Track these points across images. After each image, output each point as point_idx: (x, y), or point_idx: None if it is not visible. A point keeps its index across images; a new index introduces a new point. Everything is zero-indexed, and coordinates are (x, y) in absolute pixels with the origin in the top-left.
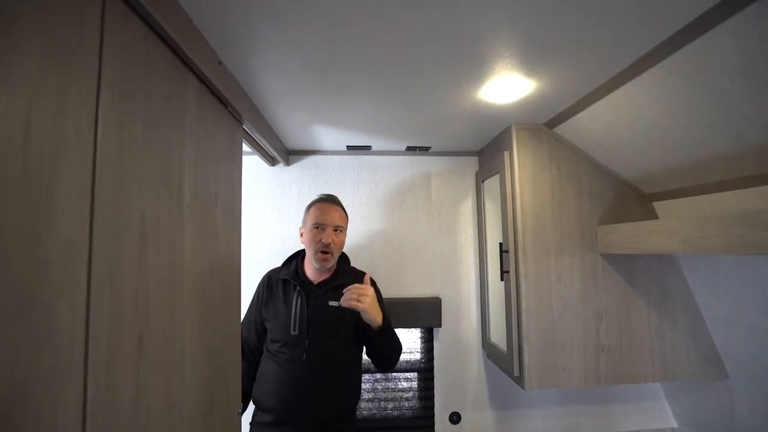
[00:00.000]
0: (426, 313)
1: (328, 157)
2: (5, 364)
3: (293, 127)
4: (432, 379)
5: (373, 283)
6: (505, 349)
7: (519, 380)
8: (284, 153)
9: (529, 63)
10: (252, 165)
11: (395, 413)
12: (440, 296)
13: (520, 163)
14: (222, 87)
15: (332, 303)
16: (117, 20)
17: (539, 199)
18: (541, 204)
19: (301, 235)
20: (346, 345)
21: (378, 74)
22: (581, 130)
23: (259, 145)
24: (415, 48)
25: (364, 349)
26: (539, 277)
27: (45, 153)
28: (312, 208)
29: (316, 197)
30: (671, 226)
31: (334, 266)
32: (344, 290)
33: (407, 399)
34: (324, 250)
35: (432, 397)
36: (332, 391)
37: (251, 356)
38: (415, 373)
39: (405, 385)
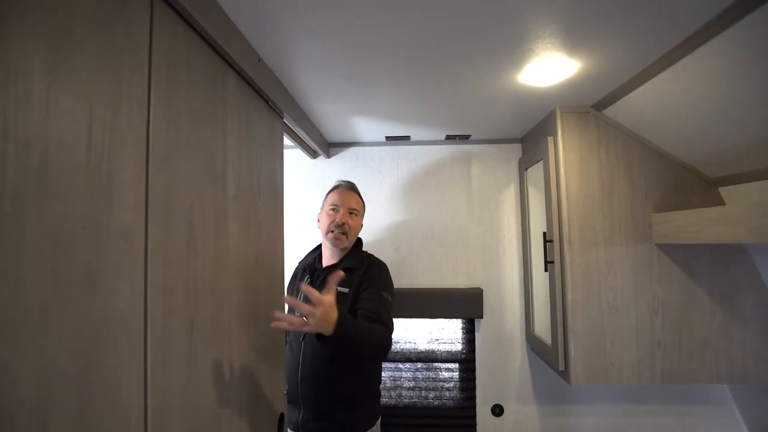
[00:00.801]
0: (467, 304)
1: (368, 148)
2: (78, 335)
3: (332, 119)
4: (473, 370)
5: (378, 266)
6: (550, 342)
7: (564, 374)
8: (325, 145)
9: (572, 42)
10: (294, 158)
11: (436, 402)
12: (481, 287)
13: (566, 149)
14: (261, 83)
15: None
16: (163, 24)
17: (586, 186)
18: (588, 191)
19: (318, 221)
20: None
21: (414, 62)
22: (634, 111)
23: (300, 138)
24: (451, 33)
25: None
26: (586, 268)
27: (105, 147)
28: (330, 193)
29: (334, 183)
30: (736, 213)
31: (347, 251)
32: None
33: (448, 389)
34: (337, 230)
35: (473, 389)
36: (327, 376)
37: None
38: (457, 364)
39: (446, 375)
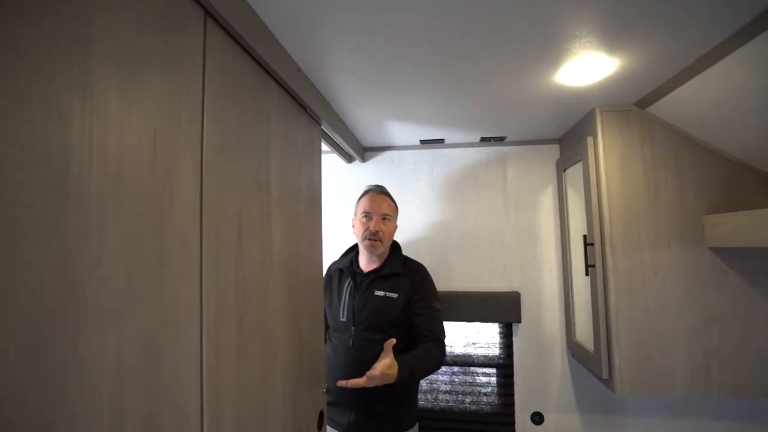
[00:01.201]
0: (504, 308)
1: (402, 152)
2: (147, 328)
3: (368, 124)
4: (511, 375)
5: (425, 273)
6: (592, 349)
7: (608, 383)
8: (360, 150)
9: (611, 40)
10: (330, 163)
11: (473, 407)
12: (519, 290)
13: (606, 149)
14: (301, 92)
15: (378, 292)
16: (215, 43)
17: (629, 187)
18: (631, 192)
19: (353, 227)
20: (390, 333)
21: (448, 65)
22: (681, 108)
23: (337, 143)
24: (486, 36)
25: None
26: (631, 273)
27: (167, 159)
28: (361, 199)
29: (365, 188)
30: None
31: (385, 255)
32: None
33: (486, 394)
34: (372, 237)
35: (512, 395)
36: None
37: None
38: (494, 369)
39: (483, 380)
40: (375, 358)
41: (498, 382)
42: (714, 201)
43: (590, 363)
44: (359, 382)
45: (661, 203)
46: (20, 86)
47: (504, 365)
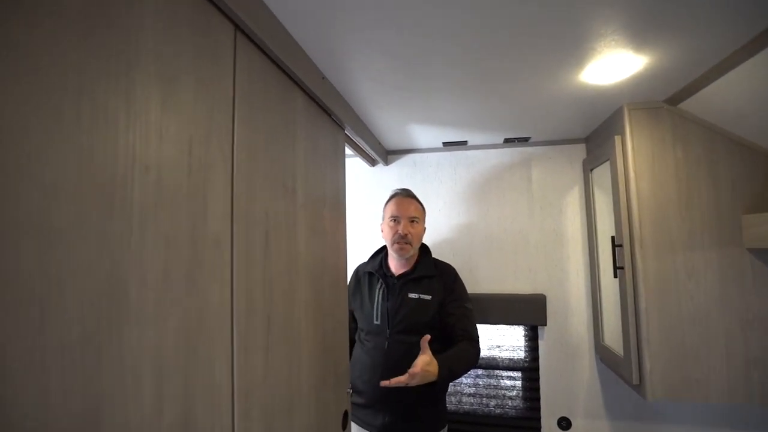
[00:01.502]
0: (529, 311)
1: (425, 154)
2: (183, 325)
3: (390, 128)
4: (537, 379)
5: (455, 274)
6: (622, 353)
7: (639, 389)
8: (383, 153)
9: (639, 37)
10: (354, 167)
11: (498, 411)
12: (544, 293)
13: (635, 148)
14: (325, 98)
15: (411, 295)
16: (244, 55)
17: (661, 187)
18: (662, 192)
19: (382, 231)
20: (425, 334)
21: (471, 67)
22: (717, 103)
23: (360, 147)
24: (509, 37)
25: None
26: (662, 275)
27: (201, 166)
28: (389, 204)
29: (391, 193)
30: None
31: (415, 258)
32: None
33: (510, 398)
34: (401, 241)
35: (537, 399)
36: None
37: None
38: (519, 372)
39: (508, 383)
40: (411, 359)
41: (523, 385)
42: (753, 200)
43: (620, 368)
44: (401, 380)
45: (695, 203)
46: (76, 104)
47: (529, 369)
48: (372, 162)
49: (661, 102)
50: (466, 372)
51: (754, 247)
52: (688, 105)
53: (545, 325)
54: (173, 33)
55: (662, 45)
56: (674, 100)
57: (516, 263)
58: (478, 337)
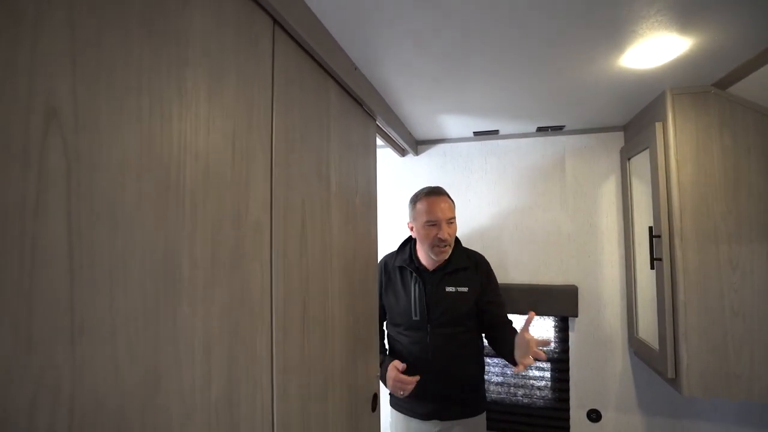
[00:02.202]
0: (560, 302)
1: (455, 144)
2: (228, 305)
3: (421, 118)
4: (567, 370)
5: (488, 263)
6: (657, 346)
7: (675, 383)
8: (413, 143)
9: (684, 18)
10: (384, 157)
11: (525, 401)
12: (576, 284)
13: (678, 135)
14: (357, 89)
15: (449, 288)
16: (281, 49)
17: (705, 176)
18: (706, 180)
19: (411, 229)
20: (465, 326)
21: (505, 55)
22: None
23: (390, 138)
24: (544, 22)
25: (488, 338)
26: (704, 267)
27: (243, 156)
28: (419, 204)
29: (419, 191)
30: None
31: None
32: (520, 345)
33: (539, 388)
34: (440, 245)
35: (567, 390)
36: (456, 369)
37: None
38: (548, 363)
39: (537, 373)
40: (452, 350)
41: (552, 376)
42: None
43: (655, 362)
44: (541, 356)
45: (743, 193)
46: (137, 98)
47: (559, 360)
48: (402, 152)
49: (709, 86)
50: None
51: None
52: (739, 89)
53: (576, 316)
54: (219, 29)
55: (710, 25)
56: (723, 83)
57: (547, 254)
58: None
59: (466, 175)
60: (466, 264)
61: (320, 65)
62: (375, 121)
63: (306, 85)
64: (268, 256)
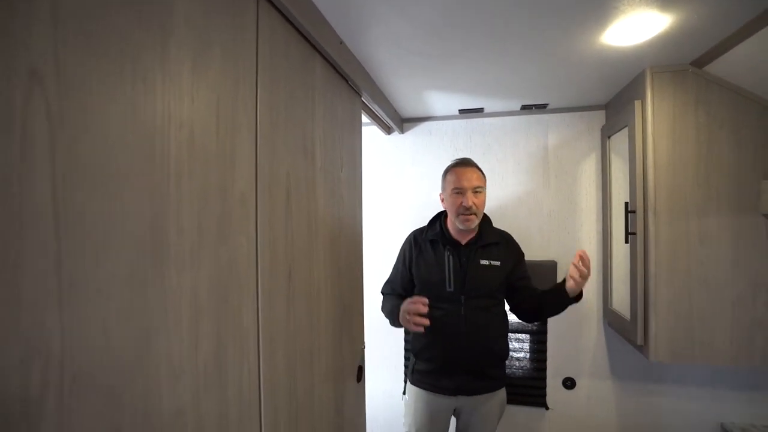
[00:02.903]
0: (541, 277)
1: (441, 122)
2: (215, 274)
3: (406, 95)
4: (545, 342)
5: (516, 243)
6: (629, 316)
7: (643, 349)
8: (399, 121)
9: None
10: (370, 135)
11: (506, 371)
12: (556, 260)
13: (655, 112)
14: (343, 64)
15: (483, 262)
16: (266, 22)
17: (679, 152)
18: (680, 157)
19: (442, 201)
20: (497, 299)
21: (489, 29)
22: (745, 65)
23: (376, 115)
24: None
25: (510, 303)
26: (674, 240)
27: (228, 128)
28: (449, 174)
29: (451, 162)
30: None
31: (477, 226)
32: (581, 254)
33: (518, 359)
34: (466, 213)
35: (545, 360)
36: (488, 341)
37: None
38: (527, 335)
39: (516, 345)
40: (485, 323)
41: (531, 348)
42: None
43: (626, 331)
44: (585, 273)
45: (714, 168)
46: (120, 66)
47: (538, 332)
48: (388, 130)
49: (687, 64)
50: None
51: None
52: (714, 68)
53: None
54: (205, 1)
55: (688, 2)
56: (700, 62)
57: (529, 230)
58: None
59: (451, 153)
60: (498, 239)
61: (306, 38)
62: (360, 96)
63: (291, 59)
64: (253, 227)
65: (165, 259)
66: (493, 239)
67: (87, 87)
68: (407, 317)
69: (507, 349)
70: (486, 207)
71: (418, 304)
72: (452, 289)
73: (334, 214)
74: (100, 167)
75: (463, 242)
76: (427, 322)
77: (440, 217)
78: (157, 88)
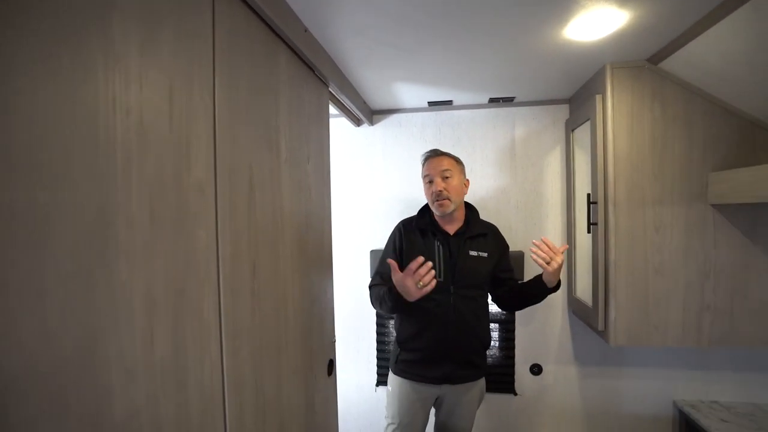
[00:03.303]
0: None
1: (410, 114)
2: (171, 268)
3: (376, 86)
4: (513, 330)
5: (501, 235)
6: (591, 303)
7: (604, 334)
8: (368, 113)
9: None
10: (339, 126)
11: None
12: (523, 250)
13: (615, 107)
14: (308, 53)
15: (471, 252)
16: (223, 7)
17: (637, 145)
18: (638, 150)
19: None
20: (483, 290)
21: (455, 21)
22: (696, 63)
23: (345, 106)
24: None
25: (492, 294)
26: (632, 229)
27: (183, 115)
28: (422, 167)
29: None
30: None
31: (463, 215)
32: (535, 242)
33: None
34: (439, 198)
35: (513, 348)
36: (474, 331)
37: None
38: (497, 324)
39: None
40: (474, 312)
41: (500, 336)
42: (722, 160)
43: (588, 317)
44: (558, 260)
45: (668, 161)
46: (56, 47)
47: (506, 321)
48: (357, 122)
49: (644, 61)
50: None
51: (717, 203)
52: (669, 65)
53: (522, 280)
54: None
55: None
56: (656, 58)
57: (497, 221)
58: None
59: (421, 144)
60: (485, 231)
61: (268, 25)
62: (328, 87)
63: (253, 45)
64: (213, 219)
65: (113, 252)
66: (480, 230)
67: (16, 68)
68: (408, 283)
69: (490, 338)
70: None
71: (415, 263)
72: (442, 279)
73: (301, 207)
74: (36, 156)
75: (452, 232)
76: (433, 274)
77: (429, 207)
78: (99, 69)
